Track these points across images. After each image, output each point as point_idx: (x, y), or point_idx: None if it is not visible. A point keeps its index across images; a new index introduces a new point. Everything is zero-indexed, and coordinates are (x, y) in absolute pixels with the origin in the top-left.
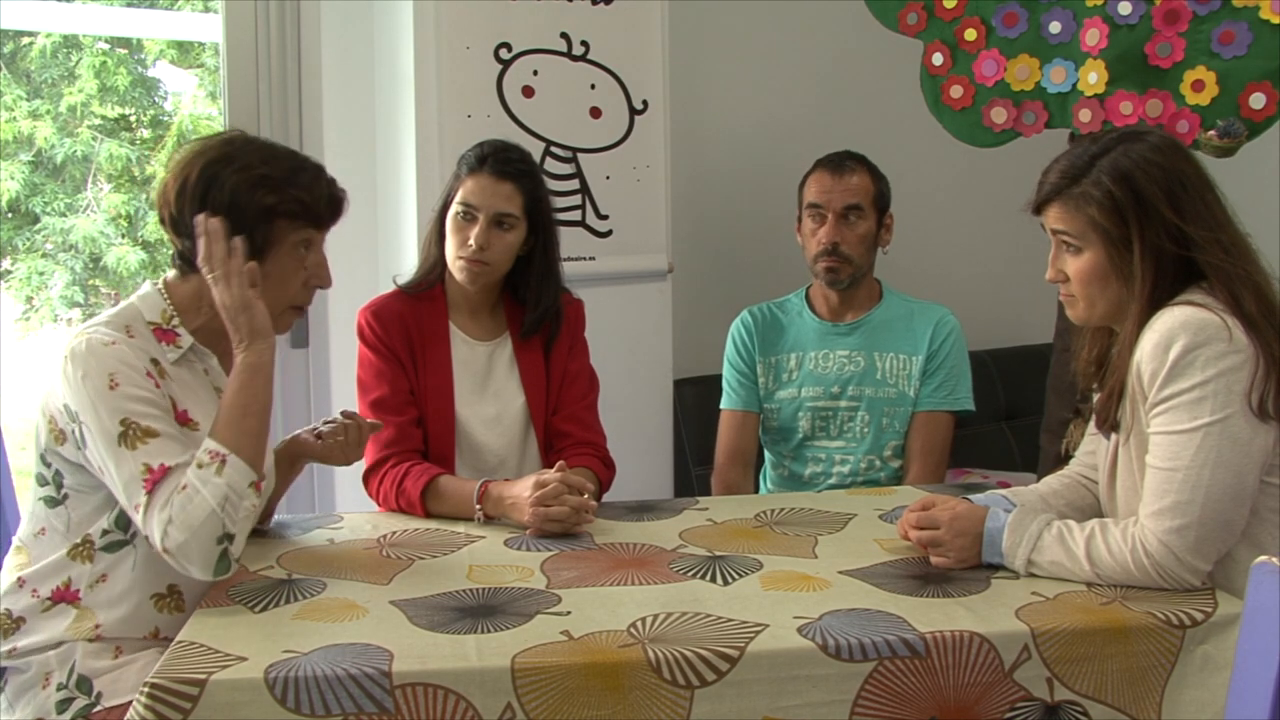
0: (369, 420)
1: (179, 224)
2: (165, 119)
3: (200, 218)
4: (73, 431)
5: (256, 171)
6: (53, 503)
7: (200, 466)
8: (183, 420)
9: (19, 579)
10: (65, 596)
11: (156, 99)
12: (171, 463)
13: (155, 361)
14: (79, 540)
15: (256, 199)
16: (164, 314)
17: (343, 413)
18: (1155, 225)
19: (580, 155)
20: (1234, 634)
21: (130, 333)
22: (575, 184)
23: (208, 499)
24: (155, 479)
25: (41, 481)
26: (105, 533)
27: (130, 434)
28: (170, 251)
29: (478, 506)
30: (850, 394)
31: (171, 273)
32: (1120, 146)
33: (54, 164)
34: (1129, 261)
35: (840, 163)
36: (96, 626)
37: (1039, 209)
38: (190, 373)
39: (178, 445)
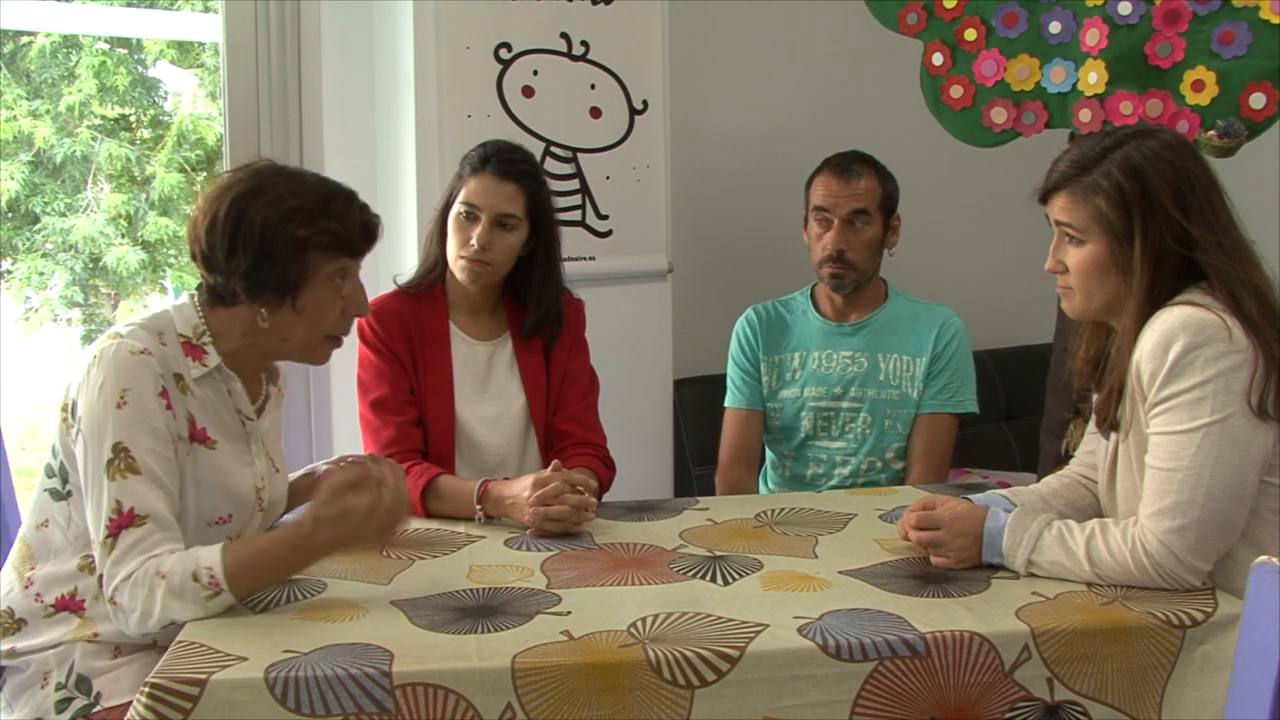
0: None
1: (211, 260)
2: (165, 119)
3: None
4: (70, 427)
5: (287, 204)
6: (57, 496)
7: (195, 579)
8: (200, 438)
9: (27, 579)
10: (70, 605)
11: (156, 99)
12: (141, 510)
13: (179, 376)
14: (88, 553)
15: (288, 232)
16: (195, 329)
17: (369, 456)
18: (1159, 221)
19: (580, 155)
20: (1234, 634)
21: (163, 339)
22: (575, 184)
23: (174, 609)
24: (120, 523)
25: (49, 472)
26: None
27: (117, 462)
28: (185, 263)
29: (478, 506)
30: (853, 395)
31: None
32: (1132, 142)
33: (54, 164)
34: (1130, 256)
35: (847, 166)
36: (95, 634)
37: (1045, 197)
38: (214, 391)
39: (153, 490)
